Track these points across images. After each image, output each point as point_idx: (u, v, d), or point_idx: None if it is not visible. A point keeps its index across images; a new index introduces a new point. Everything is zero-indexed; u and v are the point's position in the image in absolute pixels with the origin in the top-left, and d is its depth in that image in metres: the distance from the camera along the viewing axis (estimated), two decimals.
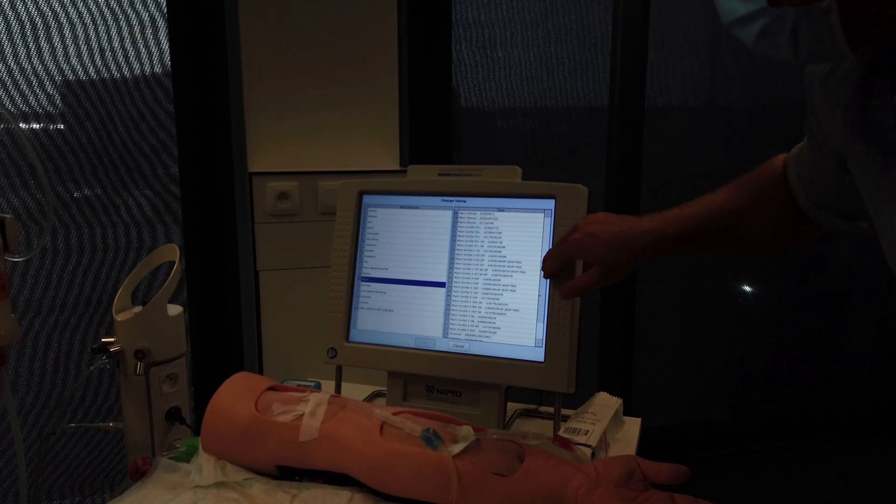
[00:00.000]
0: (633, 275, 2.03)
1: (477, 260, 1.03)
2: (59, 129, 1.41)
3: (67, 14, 1.38)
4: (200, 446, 0.89)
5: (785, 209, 0.81)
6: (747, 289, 2.32)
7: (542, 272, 0.95)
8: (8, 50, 1.35)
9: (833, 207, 0.78)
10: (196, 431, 1.00)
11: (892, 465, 2.36)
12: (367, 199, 1.10)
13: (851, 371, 2.55)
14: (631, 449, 1.02)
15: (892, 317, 2.50)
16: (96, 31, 1.40)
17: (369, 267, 1.08)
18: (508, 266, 1.02)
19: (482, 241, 1.03)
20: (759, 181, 0.85)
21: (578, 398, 1.06)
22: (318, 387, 1.20)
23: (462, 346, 1.03)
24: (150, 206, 1.49)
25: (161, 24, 1.43)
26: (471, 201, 1.05)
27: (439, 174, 1.08)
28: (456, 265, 1.04)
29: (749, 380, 2.41)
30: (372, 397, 1.19)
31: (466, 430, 0.83)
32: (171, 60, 1.42)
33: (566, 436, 0.93)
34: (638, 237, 0.84)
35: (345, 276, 1.08)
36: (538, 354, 0.98)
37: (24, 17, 1.35)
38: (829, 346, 2.49)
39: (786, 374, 2.44)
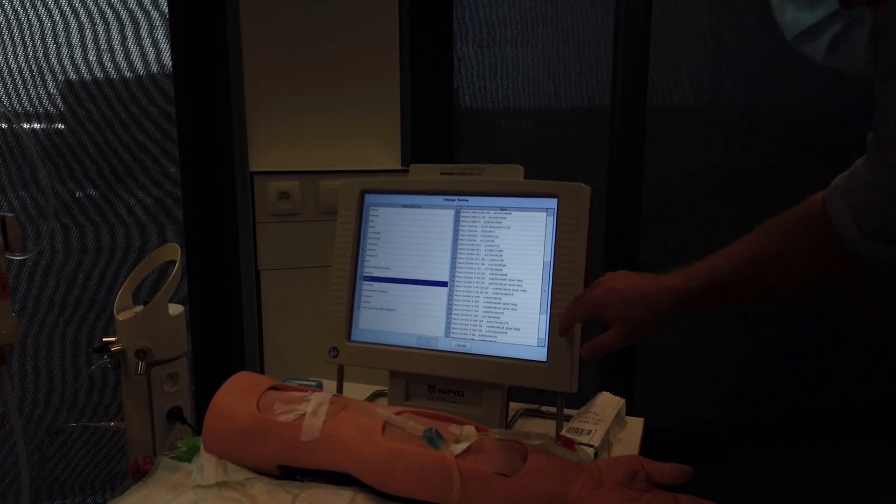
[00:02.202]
0: None
1: (479, 259, 1.03)
2: (60, 129, 1.41)
3: (66, 14, 1.38)
4: (202, 446, 0.89)
5: (822, 248, 0.76)
6: None
7: (558, 328, 0.92)
8: (9, 50, 1.35)
9: (891, 233, 0.71)
10: (197, 431, 1.00)
11: (893, 465, 2.36)
12: (368, 198, 1.09)
13: (852, 371, 2.55)
14: (634, 449, 1.02)
15: (893, 317, 2.50)
16: (94, 32, 1.40)
17: (371, 266, 1.08)
18: (511, 266, 1.01)
19: (484, 241, 1.03)
20: (790, 223, 0.80)
21: (581, 398, 1.06)
22: (319, 386, 1.20)
23: (464, 346, 1.02)
24: (152, 205, 1.49)
25: (162, 23, 1.43)
26: (473, 200, 1.04)
27: (441, 173, 1.07)
28: (458, 264, 1.04)
29: (751, 380, 2.41)
30: (374, 397, 1.19)
31: (469, 430, 0.83)
32: (171, 60, 1.42)
33: (569, 436, 0.93)
34: (660, 294, 0.81)
35: (346, 275, 1.08)
36: (541, 354, 0.98)
37: (23, 17, 1.35)
38: (830, 346, 2.49)
39: (788, 374, 2.44)
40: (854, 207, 0.72)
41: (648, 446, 1.03)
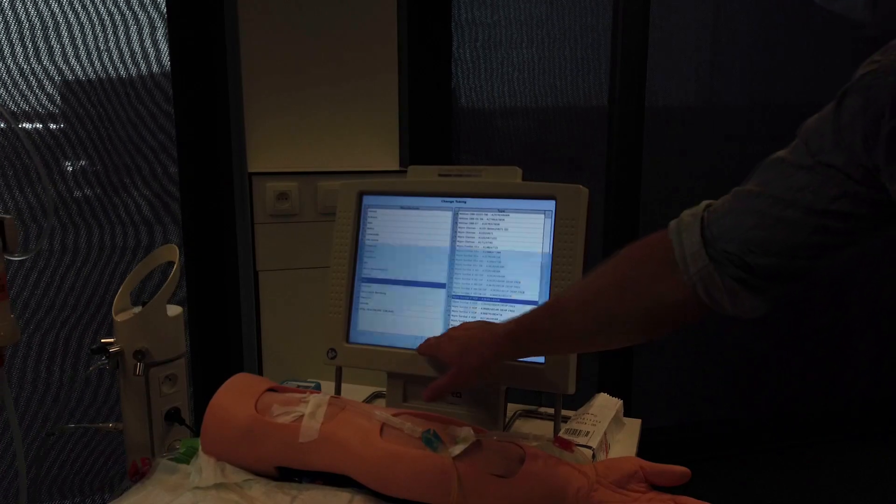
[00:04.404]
0: None
1: (477, 261, 1.03)
2: (60, 129, 1.41)
3: (65, 14, 1.38)
4: (200, 447, 0.89)
5: (657, 286, 0.69)
6: None
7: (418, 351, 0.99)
8: (6, 50, 1.35)
9: (777, 265, 0.63)
10: (196, 432, 1.00)
11: (893, 465, 2.36)
12: (367, 199, 1.09)
13: (851, 371, 2.55)
14: (631, 450, 1.02)
15: (893, 317, 2.51)
16: (93, 32, 1.40)
17: (369, 268, 1.08)
18: (508, 267, 1.01)
19: (482, 242, 1.03)
20: (623, 263, 0.74)
21: (579, 399, 1.06)
22: (317, 387, 1.20)
23: None
24: (150, 206, 1.49)
25: (160, 24, 1.43)
26: (471, 202, 1.04)
27: (439, 175, 1.07)
28: (456, 266, 1.04)
29: (749, 381, 2.42)
30: (372, 398, 1.19)
31: (467, 432, 0.83)
32: (170, 60, 1.42)
33: (567, 437, 0.93)
34: (487, 339, 0.86)
35: (345, 276, 1.08)
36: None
37: (23, 17, 1.35)
38: (830, 346, 2.49)
39: (786, 374, 2.45)
40: (727, 237, 0.64)
41: (646, 447, 1.03)
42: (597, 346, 0.85)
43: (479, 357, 0.86)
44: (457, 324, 1.02)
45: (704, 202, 0.69)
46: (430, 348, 0.96)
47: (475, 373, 0.88)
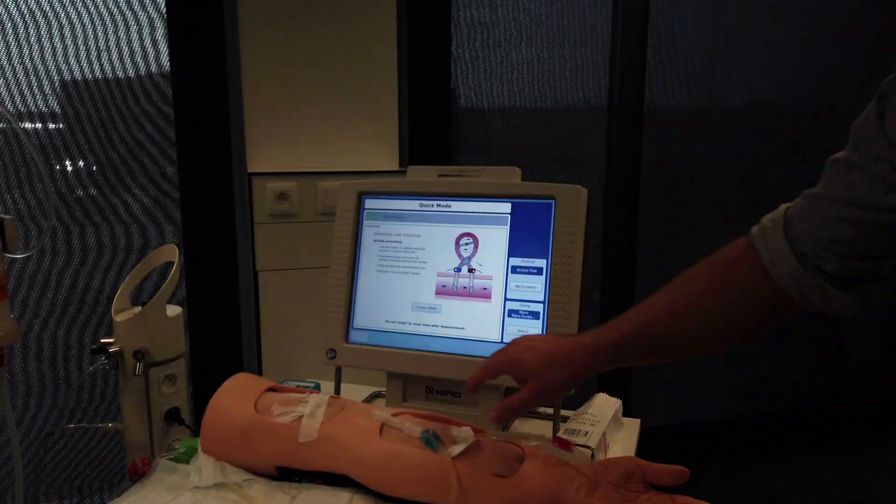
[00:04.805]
0: (633, 275, 2.03)
1: (477, 262, 1.03)
2: (59, 129, 1.41)
3: (64, 14, 1.38)
4: (200, 447, 0.89)
5: (745, 293, 0.72)
6: None
7: (466, 386, 0.85)
8: (3, 50, 1.35)
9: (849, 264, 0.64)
10: (195, 432, 1.00)
11: (893, 465, 2.36)
12: (366, 200, 1.10)
13: (851, 371, 2.55)
14: (630, 450, 1.02)
15: (893, 317, 2.51)
16: (94, 32, 1.40)
17: (369, 268, 1.08)
18: (509, 267, 1.02)
19: (482, 243, 1.03)
20: (708, 270, 0.76)
21: (578, 399, 1.06)
22: (317, 387, 1.20)
23: (462, 347, 1.02)
24: (150, 206, 1.49)
25: (160, 24, 1.43)
26: (470, 202, 1.05)
27: (439, 175, 1.07)
28: (456, 267, 1.04)
29: (749, 381, 2.42)
30: (371, 398, 1.19)
31: (466, 432, 0.83)
32: (170, 61, 1.42)
33: (566, 437, 0.93)
34: (573, 353, 0.79)
35: (344, 276, 1.08)
36: None
37: (19, 16, 1.35)
38: (830, 346, 2.49)
39: (786, 374, 2.45)
40: (801, 241, 0.67)
41: (645, 447, 1.03)
42: (700, 350, 0.82)
43: (571, 369, 0.79)
44: (456, 324, 1.03)
45: (783, 205, 0.71)
46: (506, 363, 0.83)
47: (561, 386, 0.80)
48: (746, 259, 0.72)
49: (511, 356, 0.83)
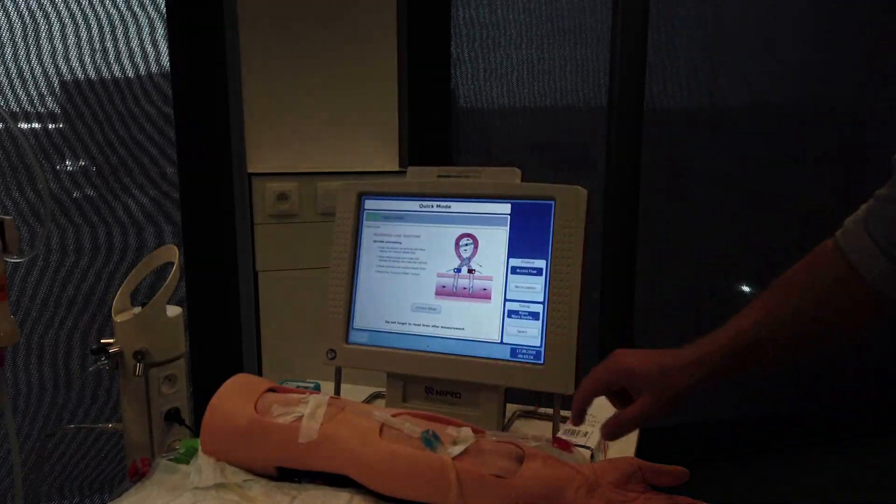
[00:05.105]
0: (633, 275, 2.03)
1: (477, 262, 1.03)
2: (58, 129, 1.41)
3: (63, 14, 1.38)
4: (200, 448, 0.89)
5: (840, 295, 0.73)
6: (747, 289, 2.33)
7: (574, 409, 0.82)
8: (6, 50, 1.35)
9: None
10: (195, 433, 1.00)
11: (893, 465, 2.36)
12: (366, 200, 1.10)
13: (852, 371, 2.55)
14: (630, 450, 1.02)
15: (892, 317, 2.50)
16: (94, 32, 1.40)
17: (368, 269, 1.08)
18: (508, 268, 1.02)
19: (481, 244, 1.03)
20: (801, 276, 0.76)
21: None
22: (317, 388, 1.20)
23: (461, 348, 1.03)
24: (149, 206, 1.49)
25: (160, 24, 1.43)
26: (470, 203, 1.05)
27: (438, 175, 1.08)
28: (456, 268, 1.04)
29: (748, 381, 2.41)
30: (371, 398, 1.19)
31: (466, 432, 0.83)
32: (170, 61, 1.43)
33: (565, 437, 0.93)
34: (688, 364, 0.76)
35: (344, 277, 1.08)
36: (538, 356, 0.98)
37: (15, 17, 1.35)
38: None
39: (785, 375, 2.45)
40: (883, 239, 0.68)
41: (645, 448, 1.03)
42: (803, 354, 0.79)
43: (688, 378, 0.75)
44: (456, 324, 1.03)
45: (863, 206, 0.72)
46: (619, 373, 0.79)
47: (676, 398, 0.76)
48: (834, 262, 0.72)
49: (623, 366, 0.79)
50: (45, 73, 1.38)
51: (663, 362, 0.77)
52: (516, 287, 1.01)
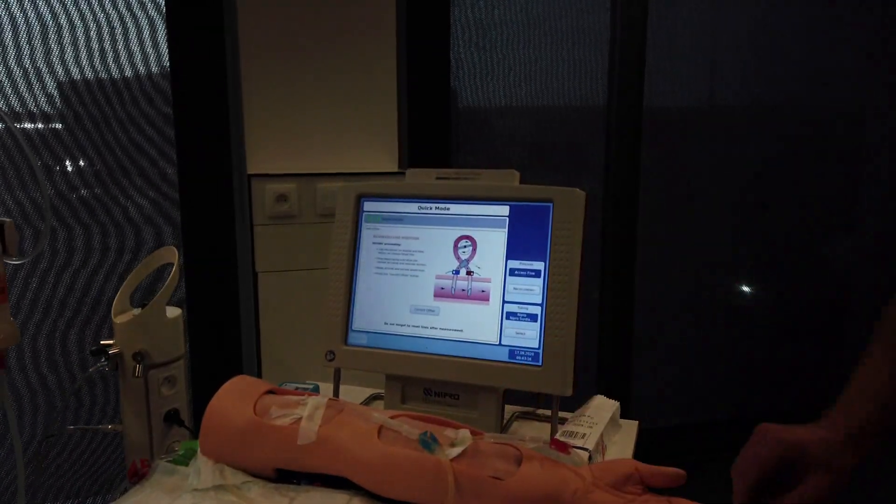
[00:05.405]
0: (633, 275, 2.03)
1: (475, 264, 1.03)
2: (58, 130, 1.41)
3: (63, 14, 1.38)
4: (199, 449, 0.89)
5: None
6: (746, 289, 2.33)
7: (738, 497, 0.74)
8: (5, 49, 1.35)
9: None
10: (195, 434, 1.00)
11: (892, 465, 2.36)
12: (365, 202, 1.10)
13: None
14: (628, 452, 1.02)
15: None
16: (93, 32, 1.40)
17: (367, 270, 1.09)
18: (507, 270, 1.02)
19: (480, 246, 1.03)
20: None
21: (576, 401, 1.06)
22: (316, 389, 1.20)
23: (460, 350, 1.03)
24: (149, 207, 1.49)
25: (160, 24, 1.43)
26: (469, 205, 1.05)
27: (437, 178, 1.08)
28: (454, 269, 1.04)
29: (748, 381, 2.42)
30: (370, 400, 1.19)
31: (464, 434, 0.83)
32: (169, 61, 1.43)
33: (563, 439, 0.93)
34: (847, 440, 0.70)
35: (343, 278, 1.08)
36: (536, 358, 0.99)
37: (20, 17, 1.35)
38: (829, 346, 2.49)
39: (785, 375, 2.45)
40: None
41: (643, 449, 1.03)
42: None
43: (855, 451, 0.69)
44: (455, 326, 1.03)
45: None
46: (789, 450, 0.72)
47: (849, 476, 0.69)
48: None
49: (790, 442, 0.71)
50: (44, 73, 1.38)
51: (824, 437, 0.70)
52: (515, 289, 1.01)
